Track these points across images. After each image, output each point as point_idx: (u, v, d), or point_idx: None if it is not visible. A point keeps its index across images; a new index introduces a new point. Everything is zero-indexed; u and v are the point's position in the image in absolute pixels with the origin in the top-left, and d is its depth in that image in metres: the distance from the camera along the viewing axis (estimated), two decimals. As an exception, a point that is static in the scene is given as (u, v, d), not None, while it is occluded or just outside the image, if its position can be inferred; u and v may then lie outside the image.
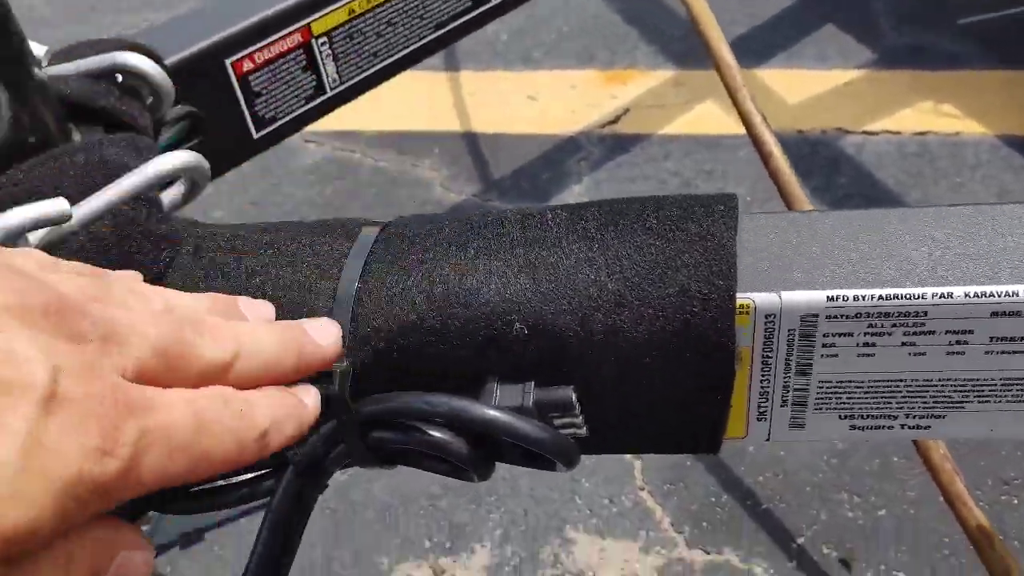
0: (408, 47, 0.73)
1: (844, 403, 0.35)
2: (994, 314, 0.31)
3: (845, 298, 0.32)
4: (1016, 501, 1.16)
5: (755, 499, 1.21)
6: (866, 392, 0.34)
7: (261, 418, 0.28)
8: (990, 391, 0.34)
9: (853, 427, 0.35)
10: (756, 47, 1.86)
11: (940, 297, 0.31)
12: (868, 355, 0.33)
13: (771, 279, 0.32)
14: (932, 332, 0.32)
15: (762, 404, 0.35)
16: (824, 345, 0.33)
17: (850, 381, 0.34)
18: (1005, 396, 0.34)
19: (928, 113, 1.68)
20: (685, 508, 1.21)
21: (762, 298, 0.32)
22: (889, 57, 1.80)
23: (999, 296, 0.31)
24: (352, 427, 0.31)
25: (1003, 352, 0.32)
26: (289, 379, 0.30)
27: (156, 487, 0.24)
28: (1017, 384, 0.34)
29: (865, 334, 0.32)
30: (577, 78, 1.88)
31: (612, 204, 0.35)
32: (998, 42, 1.78)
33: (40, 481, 0.20)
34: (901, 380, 0.34)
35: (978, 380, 0.33)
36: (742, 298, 0.32)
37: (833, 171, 1.61)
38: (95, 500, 0.22)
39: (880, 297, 0.32)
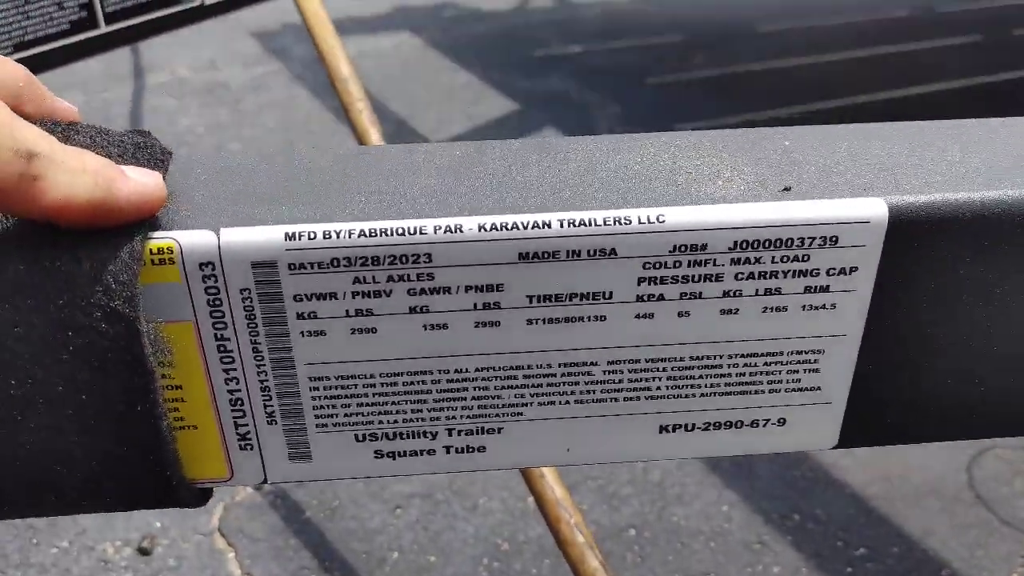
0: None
1: (357, 414, 0.26)
2: (523, 256, 0.24)
3: (312, 235, 0.23)
4: (706, 602, 0.95)
5: (391, 618, 0.94)
6: (383, 394, 0.26)
7: (28, 139, 0.21)
8: (549, 385, 0.26)
9: (380, 454, 0.27)
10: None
11: (446, 232, 0.23)
12: (368, 330, 0.24)
13: (211, 215, 0.24)
14: (447, 289, 0.24)
15: (240, 422, 0.26)
16: (301, 315, 0.24)
17: (355, 376, 0.25)
18: (572, 391, 0.26)
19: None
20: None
21: (191, 237, 0.23)
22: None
23: (525, 228, 0.23)
24: None
25: (550, 320, 0.25)
26: None
27: None
28: (581, 374, 0.26)
29: (355, 294, 0.24)
30: (272, 168, 1.70)
31: None
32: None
33: None
34: (426, 372, 0.25)
35: (529, 367, 0.26)
36: (159, 238, 0.23)
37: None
38: None
39: (363, 233, 0.23)
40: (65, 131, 0.24)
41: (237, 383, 0.25)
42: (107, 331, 0.23)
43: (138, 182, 0.23)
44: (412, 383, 0.26)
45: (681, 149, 0.27)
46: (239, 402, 0.25)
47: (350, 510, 1.04)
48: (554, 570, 0.98)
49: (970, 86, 1.90)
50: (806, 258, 0.25)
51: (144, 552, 0.99)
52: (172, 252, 0.23)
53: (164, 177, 0.24)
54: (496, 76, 2.02)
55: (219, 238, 0.23)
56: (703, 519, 1.03)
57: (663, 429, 0.28)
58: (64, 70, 0.83)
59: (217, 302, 0.24)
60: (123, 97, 1.92)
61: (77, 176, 0.22)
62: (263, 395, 0.25)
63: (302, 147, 0.24)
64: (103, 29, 1.10)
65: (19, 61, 1.00)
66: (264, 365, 0.25)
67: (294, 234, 0.23)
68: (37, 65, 0.92)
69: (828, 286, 0.25)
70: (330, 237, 0.23)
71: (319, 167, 0.26)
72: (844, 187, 0.25)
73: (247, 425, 0.26)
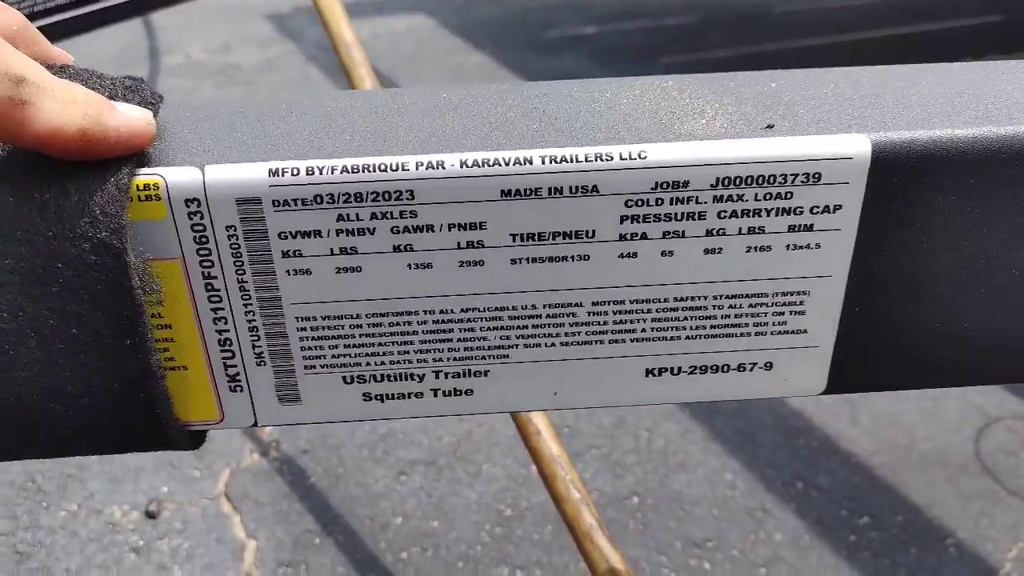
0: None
1: (344, 356, 0.26)
2: (506, 193, 0.24)
3: (295, 171, 0.23)
4: (708, 565, 0.95)
5: (393, 581, 0.95)
6: (369, 335, 0.26)
7: (18, 65, 0.22)
8: (534, 326, 0.26)
9: (368, 396, 0.27)
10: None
11: (428, 168, 0.23)
12: (353, 269, 0.25)
13: (197, 153, 0.24)
14: (430, 227, 0.24)
15: (230, 363, 0.26)
16: (286, 254, 0.24)
17: (342, 316, 0.25)
18: (557, 333, 0.26)
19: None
20: (302, 596, 0.94)
21: (177, 174, 0.23)
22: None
23: (507, 165, 0.23)
24: None
25: (534, 260, 0.25)
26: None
27: None
28: (566, 315, 0.26)
29: (339, 232, 0.24)
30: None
31: None
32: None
33: None
34: (412, 312, 0.25)
35: (514, 308, 0.26)
36: (146, 174, 0.23)
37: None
38: None
39: (345, 169, 0.23)
40: (58, 72, 0.25)
41: (225, 323, 0.25)
42: (95, 262, 0.23)
43: (127, 116, 0.23)
44: (398, 323, 0.26)
45: (666, 90, 0.27)
46: (228, 342, 0.26)
47: (355, 476, 1.05)
48: (556, 535, 0.98)
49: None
50: (789, 195, 0.25)
51: (151, 516, 1.00)
52: (158, 188, 0.23)
53: (154, 117, 0.25)
54: (509, 57, 2.02)
55: (204, 174, 0.23)
56: (706, 487, 1.03)
57: (649, 373, 0.27)
58: (79, 53, 0.84)
59: (204, 239, 0.24)
60: (138, 78, 1.93)
61: (67, 105, 0.22)
62: (251, 335, 0.26)
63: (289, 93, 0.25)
64: (111, 1, 1.11)
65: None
66: (251, 304, 0.25)
67: (278, 170, 0.23)
68: (48, 37, 0.93)
69: (812, 224, 0.25)
70: (313, 173, 0.23)
71: (305, 108, 0.26)
72: (828, 124, 0.25)
73: (236, 366, 0.26)
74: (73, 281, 0.23)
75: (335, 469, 1.05)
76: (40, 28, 0.96)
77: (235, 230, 0.24)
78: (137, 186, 0.23)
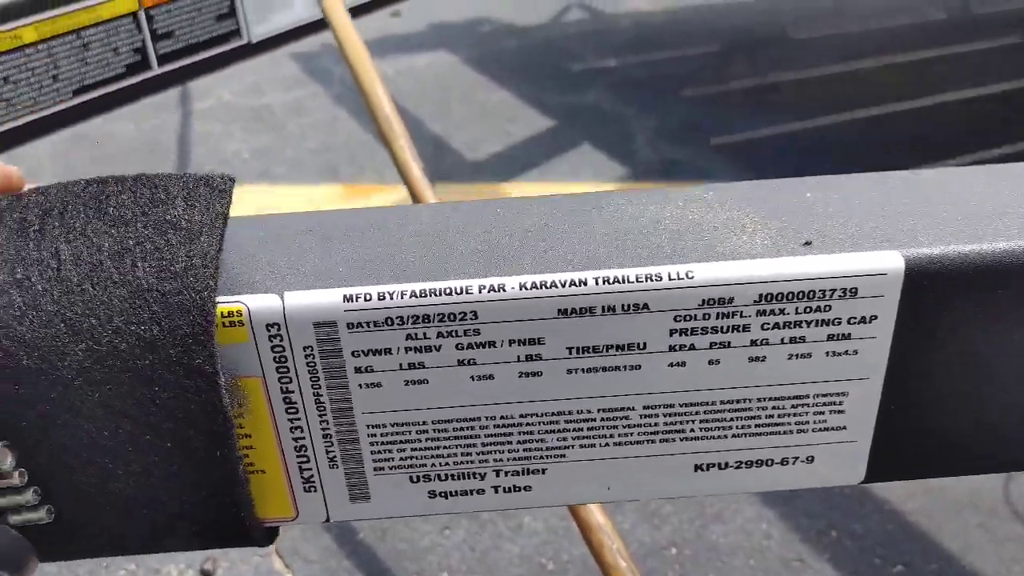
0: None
1: (411, 458, 0.28)
2: (562, 312, 0.26)
3: (368, 296, 0.25)
4: (746, 619, 0.98)
5: (441, 636, 0.98)
6: (435, 439, 0.28)
7: None
8: (589, 429, 0.28)
9: (433, 494, 0.29)
10: (508, 164, 1.80)
11: (490, 291, 0.25)
12: (420, 381, 0.27)
13: (275, 279, 0.26)
14: (492, 343, 0.26)
15: (305, 467, 0.28)
16: (359, 369, 0.26)
17: (409, 423, 0.27)
18: (611, 435, 0.28)
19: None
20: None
21: (258, 301, 0.25)
22: (642, 172, 1.76)
23: (563, 286, 0.25)
24: None
25: (589, 370, 0.27)
26: None
27: None
28: (619, 418, 0.28)
29: (407, 350, 0.26)
30: (316, 192, 1.75)
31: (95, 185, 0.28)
32: (746, 157, 1.77)
33: None
34: (474, 419, 0.27)
35: (570, 413, 0.27)
36: (229, 302, 0.25)
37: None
38: None
39: (414, 294, 0.25)
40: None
41: (301, 432, 0.27)
42: (189, 386, 0.25)
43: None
44: (462, 429, 0.28)
45: (707, 202, 0.28)
46: (303, 448, 0.28)
47: (401, 532, 1.08)
48: (597, 588, 1.01)
49: (1011, 90, 1.89)
50: (828, 308, 0.26)
51: (207, 574, 1.04)
52: (241, 315, 0.25)
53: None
54: (531, 92, 2.05)
55: (283, 301, 0.25)
56: (742, 536, 1.06)
57: (698, 468, 0.29)
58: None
59: (283, 359, 0.26)
60: (171, 125, 1.98)
61: None
62: (325, 442, 0.28)
63: (351, 208, 0.27)
64: (156, 71, 1.15)
65: (79, 105, 1.09)
66: (326, 415, 0.27)
67: (352, 296, 0.25)
68: (96, 108, 0.97)
69: (849, 334, 0.27)
70: (384, 298, 0.25)
71: (369, 227, 0.28)
72: (862, 239, 0.27)
73: (311, 469, 0.28)
74: (169, 403, 0.25)
75: (381, 524, 1.09)
76: (86, 103, 1.00)
77: (312, 350, 0.26)
78: (222, 313, 0.25)
